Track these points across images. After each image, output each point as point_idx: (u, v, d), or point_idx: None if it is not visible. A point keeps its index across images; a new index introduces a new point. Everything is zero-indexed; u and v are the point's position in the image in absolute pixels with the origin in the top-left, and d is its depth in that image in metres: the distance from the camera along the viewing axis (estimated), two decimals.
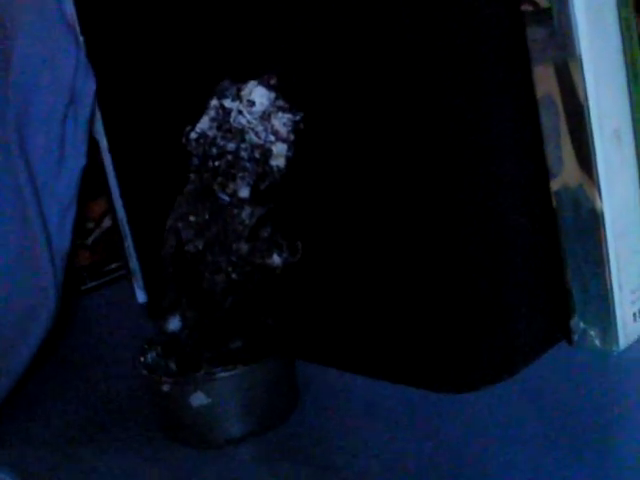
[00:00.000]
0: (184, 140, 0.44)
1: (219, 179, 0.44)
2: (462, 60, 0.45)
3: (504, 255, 0.49)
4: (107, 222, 0.72)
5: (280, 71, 0.45)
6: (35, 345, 0.57)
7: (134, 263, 0.67)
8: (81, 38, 0.61)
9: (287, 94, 0.45)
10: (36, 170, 0.59)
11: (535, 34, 0.46)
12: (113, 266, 0.73)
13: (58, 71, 0.60)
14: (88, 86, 0.61)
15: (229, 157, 0.44)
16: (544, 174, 0.49)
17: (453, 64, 0.45)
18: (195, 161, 0.44)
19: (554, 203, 0.49)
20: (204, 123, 0.44)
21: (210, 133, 0.44)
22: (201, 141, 0.44)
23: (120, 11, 0.58)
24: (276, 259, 0.46)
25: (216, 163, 0.44)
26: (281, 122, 0.44)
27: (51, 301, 0.58)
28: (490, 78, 0.46)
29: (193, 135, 0.44)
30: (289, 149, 0.44)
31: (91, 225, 0.72)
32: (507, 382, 0.49)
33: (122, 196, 0.65)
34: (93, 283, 0.73)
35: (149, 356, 0.50)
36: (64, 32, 0.60)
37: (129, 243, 0.66)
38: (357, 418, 0.49)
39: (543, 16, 0.45)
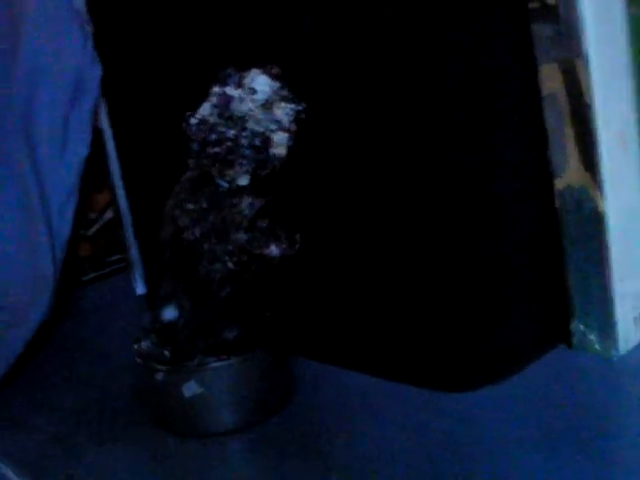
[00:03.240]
0: (184, 125, 0.44)
1: (218, 165, 0.44)
2: (467, 56, 0.45)
3: (504, 255, 0.48)
4: (109, 214, 0.72)
5: (284, 61, 0.45)
6: (31, 332, 0.57)
7: (134, 254, 0.67)
8: (88, 27, 0.61)
9: (290, 84, 0.45)
10: (39, 157, 0.60)
11: (541, 32, 0.46)
12: (114, 258, 0.73)
13: (65, 60, 0.60)
14: (94, 75, 0.61)
15: (229, 144, 0.43)
16: (548, 173, 0.48)
17: (458, 60, 0.45)
18: (195, 147, 0.44)
19: (557, 203, 0.48)
20: (205, 109, 0.44)
21: (211, 119, 0.44)
22: (201, 127, 0.44)
23: (127, 1, 0.58)
24: (274, 250, 0.46)
25: (215, 149, 0.44)
26: (283, 111, 0.44)
27: (50, 288, 0.58)
28: (495, 75, 0.46)
29: (194, 120, 0.44)
30: (290, 139, 0.44)
31: (93, 216, 0.72)
32: (505, 383, 0.48)
33: (125, 186, 0.65)
34: (94, 274, 0.73)
35: (144, 344, 0.50)
36: (71, 21, 0.60)
37: (130, 234, 0.66)
38: (352, 413, 0.48)
39: (549, 13, 0.45)
